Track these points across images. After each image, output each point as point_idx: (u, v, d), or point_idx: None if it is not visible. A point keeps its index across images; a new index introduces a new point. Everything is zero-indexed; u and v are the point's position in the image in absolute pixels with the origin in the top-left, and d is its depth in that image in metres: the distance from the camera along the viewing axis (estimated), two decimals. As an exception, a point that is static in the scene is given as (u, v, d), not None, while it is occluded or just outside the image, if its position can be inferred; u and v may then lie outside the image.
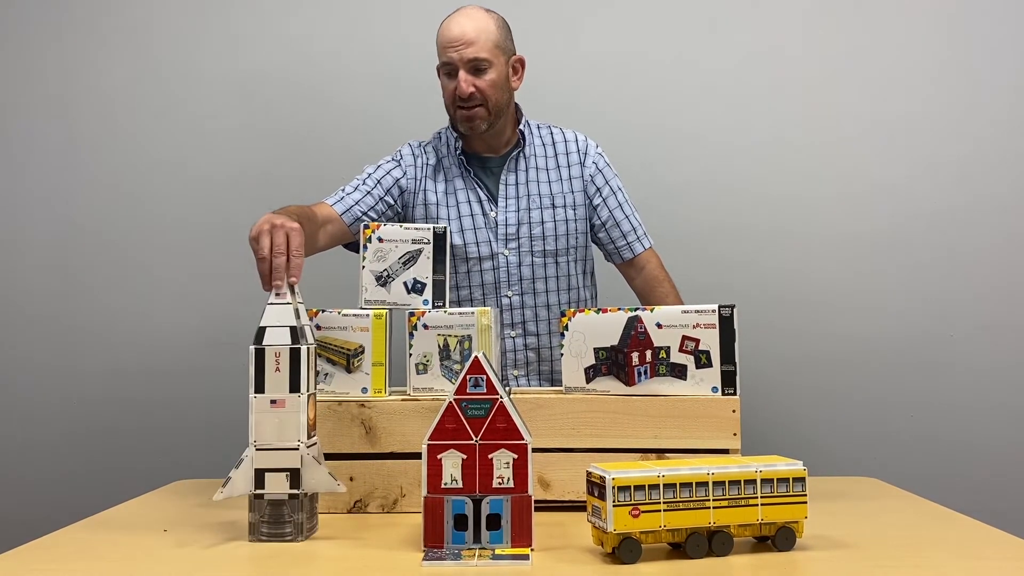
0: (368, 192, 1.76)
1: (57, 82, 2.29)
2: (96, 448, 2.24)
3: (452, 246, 1.74)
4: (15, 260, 2.28)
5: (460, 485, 1.11)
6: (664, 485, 1.06)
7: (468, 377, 1.13)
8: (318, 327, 1.43)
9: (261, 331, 1.22)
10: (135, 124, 2.29)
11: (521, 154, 1.81)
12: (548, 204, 1.79)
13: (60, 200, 2.28)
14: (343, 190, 1.76)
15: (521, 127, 1.82)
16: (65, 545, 1.19)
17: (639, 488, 1.05)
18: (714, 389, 1.36)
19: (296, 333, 1.22)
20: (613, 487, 1.04)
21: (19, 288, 2.28)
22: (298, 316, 1.24)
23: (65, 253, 2.29)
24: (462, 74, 1.69)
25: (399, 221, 1.81)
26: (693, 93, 2.26)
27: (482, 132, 1.75)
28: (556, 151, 1.84)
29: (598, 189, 1.83)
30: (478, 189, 1.79)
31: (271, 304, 1.24)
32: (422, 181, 1.80)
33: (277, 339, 1.22)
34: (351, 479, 1.36)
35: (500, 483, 1.11)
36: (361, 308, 1.46)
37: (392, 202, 1.79)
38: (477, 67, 1.70)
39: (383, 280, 1.48)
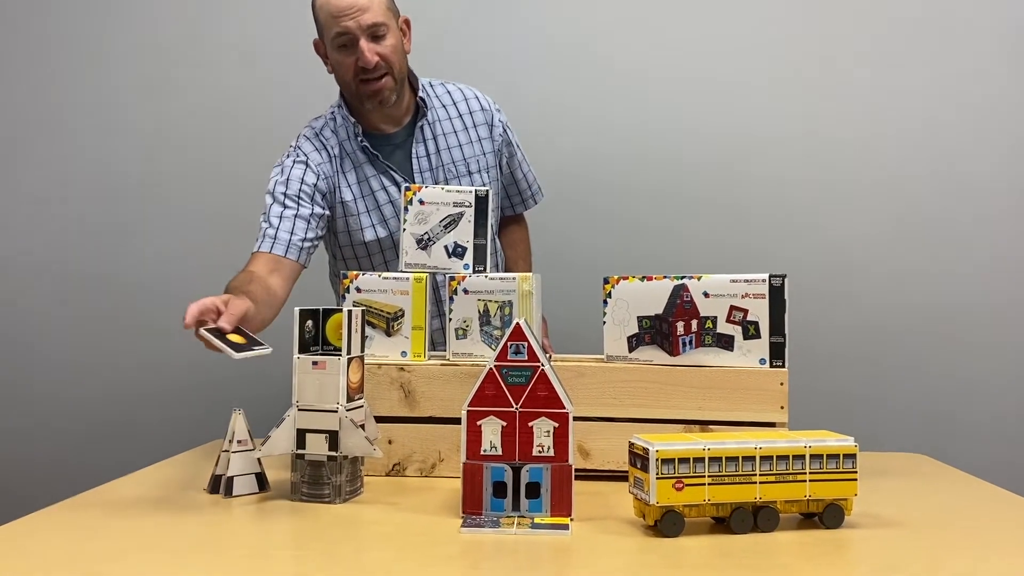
0: (296, 215, 1.57)
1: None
2: (134, 408, 2.29)
3: (379, 240, 1.65)
4: (67, 218, 2.32)
5: (499, 452, 1.10)
6: (709, 458, 1.03)
7: (509, 344, 1.11)
8: (358, 290, 1.42)
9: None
10: (178, 104, 2.29)
11: (426, 121, 1.68)
12: (464, 171, 1.70)
13: (110, 159, 2.31)
14: (269, 225, 1.57)
15: (420, 94, 1.69)
16: (103, 503, 1.21)
17: (683, 461, 1.02)
18: (762, 361, 1.32)
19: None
20: (657, 459, 1.01)
21: (68, 248, 2.31)
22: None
23: (115, 211, 2.31)
24: (363, 43, 1.55)
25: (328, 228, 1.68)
26: (767, 63, 2.19)
27: (391, 104, 1.62)
28: (459, 111, 1.72)
29: (506, 148, 1.76)
30: (391, 172, 1.66)
31: None
32: (334, 178, 1.64)
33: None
34: (390, 442, 1.36)
35: (540, 451, 1.10)
36: (401, 271, 1.45)
37: (323, 211, 1.62)
38: (376, 33, 1.56)
39: (424, 243, 1.46)
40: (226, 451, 1.25)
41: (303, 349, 1.22)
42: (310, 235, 1.59)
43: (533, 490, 1.09)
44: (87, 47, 2.31)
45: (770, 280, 1.32)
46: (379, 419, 1.34)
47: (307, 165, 1.63)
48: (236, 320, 1.27)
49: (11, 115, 2.32)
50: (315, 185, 1.62)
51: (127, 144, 2.31)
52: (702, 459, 1.03)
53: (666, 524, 1.02)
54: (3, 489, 2.26)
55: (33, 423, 2.32)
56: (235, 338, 1.21)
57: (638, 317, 1.37)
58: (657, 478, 1.01)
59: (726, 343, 1.33)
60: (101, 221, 2.31)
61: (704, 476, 1.03)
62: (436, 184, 1.68)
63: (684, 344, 1.34)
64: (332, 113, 1.71)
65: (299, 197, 1.60)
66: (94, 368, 2.31)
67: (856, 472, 1.08)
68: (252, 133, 2.26)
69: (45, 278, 2.32)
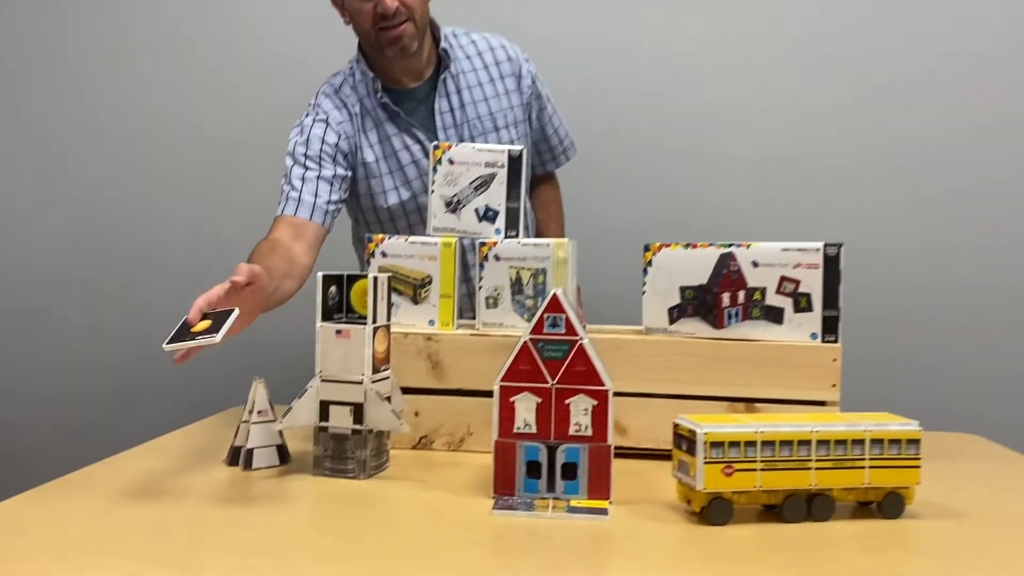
0: (318, 177, 1.50)
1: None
2: (151, 374, 2.25)
3: (402, 203, 1.58)
4: (92, 186, 2.27)
5: (534, 430, 1.03)
6: (762, 442, 0.95)
7: (545, 316, 1.03)
8: (384, 254, 1.35)
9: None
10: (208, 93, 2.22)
11: (449, 74, 1.59)
12: (491, 127, 1.60)
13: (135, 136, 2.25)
14: (291, 187, 1.50)
15: (443, 44, 1.59)
16: (116, 474, 1.16)
17: (734, 445, 0.95)
18: (813, 335, 1.23)
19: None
20: (705, 442, 0.94)
21: (88, 216, 2.27)
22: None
23: (138, 183, 2.26)
24: None
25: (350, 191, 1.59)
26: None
27: (413, 52, 1.52)
28: (485, 62, 1.62)
29: (536, 101, 1.66)
30: (413, 130, 1.58)
31: None
32: (355, 137, 1.56)
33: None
34: (416, 414, 1.30)
35: (577, 430, 1.03)
36: (429, 235, 1.37)
37: (345, 172, 1.54)
38: None
39: (453, 206, 1.38)
40: (246, 422, 1.20)
41: (326, 316, 1.16)
42: (334, 197, 1.52)
43: (569, 471, 1.03)
44: (100, 19, 2.24)
45: (825, 249, 1.23)
46: (405, 390, 1.28)
47: (327, 124, 1.55)
48: (206, 306, 1.11)
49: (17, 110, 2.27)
50: (336, 145, 1.54)
51: (144, 116, 2.25)
52: (754, 443, 0.95)
53: (714, 511, 0.95)
54: (12, 459, 2.24)
55: (44, 390, 2.30)
56: (202, 325, 1.10)
57: (681, 287, 1.29)
58: (705, 462, 0.94)
59: (775, 316, 1.24)
60: (125, 191, 2.27)
61: (756, 461, 0.95)
62: (461, 142, 1.59)
63: (730, 317, 1.26)
64: (351, 68, 1.61)
65: (320, 158, 1.52)
66: (109, 334, 2.28)
67: (919, 459, 1.00)
68: (268, 103, 2.19)
69: (63, 247, 2.29)
